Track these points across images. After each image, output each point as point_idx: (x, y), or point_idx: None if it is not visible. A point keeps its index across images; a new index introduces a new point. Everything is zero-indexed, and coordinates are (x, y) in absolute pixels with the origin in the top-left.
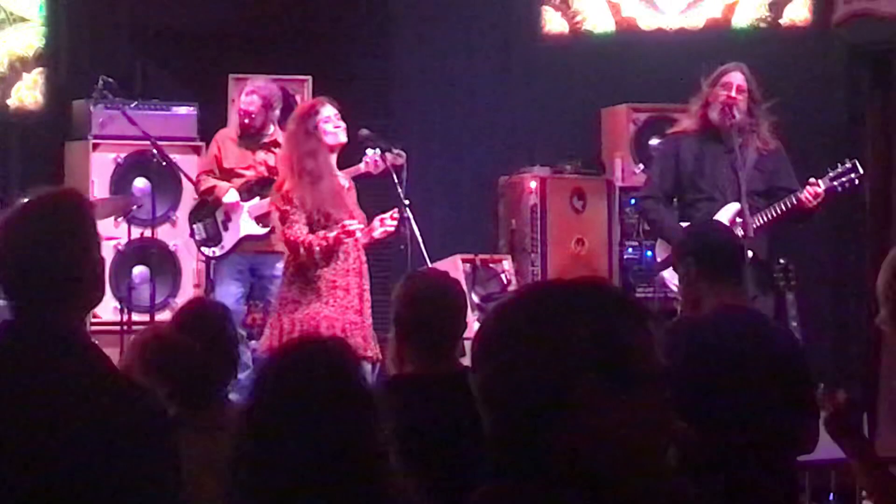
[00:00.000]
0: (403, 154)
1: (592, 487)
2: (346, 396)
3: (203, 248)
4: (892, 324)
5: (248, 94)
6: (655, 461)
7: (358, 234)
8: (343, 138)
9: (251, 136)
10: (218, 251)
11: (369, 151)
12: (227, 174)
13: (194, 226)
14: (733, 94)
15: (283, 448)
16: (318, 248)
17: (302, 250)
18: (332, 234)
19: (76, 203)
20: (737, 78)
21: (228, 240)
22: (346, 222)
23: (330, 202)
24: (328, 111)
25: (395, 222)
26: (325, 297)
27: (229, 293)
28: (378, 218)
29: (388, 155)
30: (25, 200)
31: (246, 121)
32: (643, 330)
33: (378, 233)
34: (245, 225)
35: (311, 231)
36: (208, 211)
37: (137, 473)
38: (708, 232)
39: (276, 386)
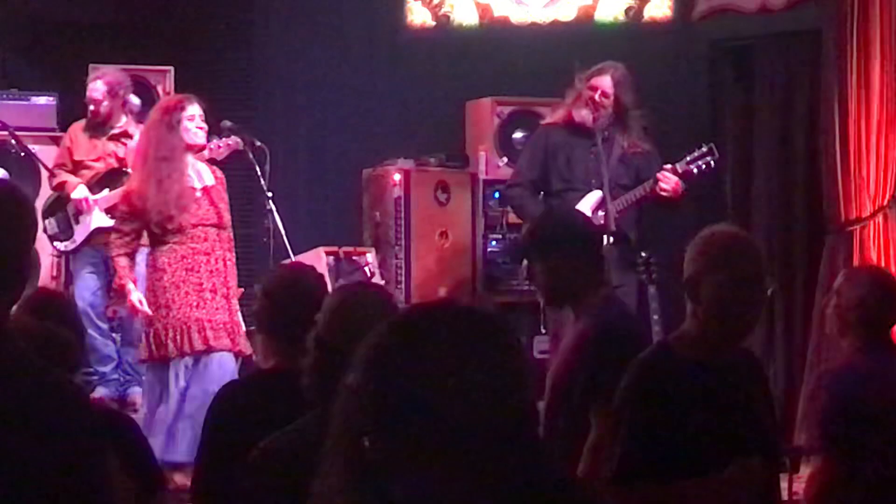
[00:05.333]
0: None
1: None
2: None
3: (55, 243)
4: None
5: (93, 80)
6: None
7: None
8: (203, 140)
9: (99, 126)
10: (70, 245)
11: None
12: (77, 166)
13: (46, 221)
14: (598, 97)
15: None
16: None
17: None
18: (124, 282)
19: (17, 194)
20: (604, 83)
21: (79, 234)
22: (131, 295)
23: (174, 205)
24: (194, 109)
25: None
26: (194, 299)
27: (87, 287)
28: (136, 302)
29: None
30: None
31: (91, 107)
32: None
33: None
34: (96, 218)
35: (148, 229)
36: (59, 205)
37: (65, 473)
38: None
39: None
